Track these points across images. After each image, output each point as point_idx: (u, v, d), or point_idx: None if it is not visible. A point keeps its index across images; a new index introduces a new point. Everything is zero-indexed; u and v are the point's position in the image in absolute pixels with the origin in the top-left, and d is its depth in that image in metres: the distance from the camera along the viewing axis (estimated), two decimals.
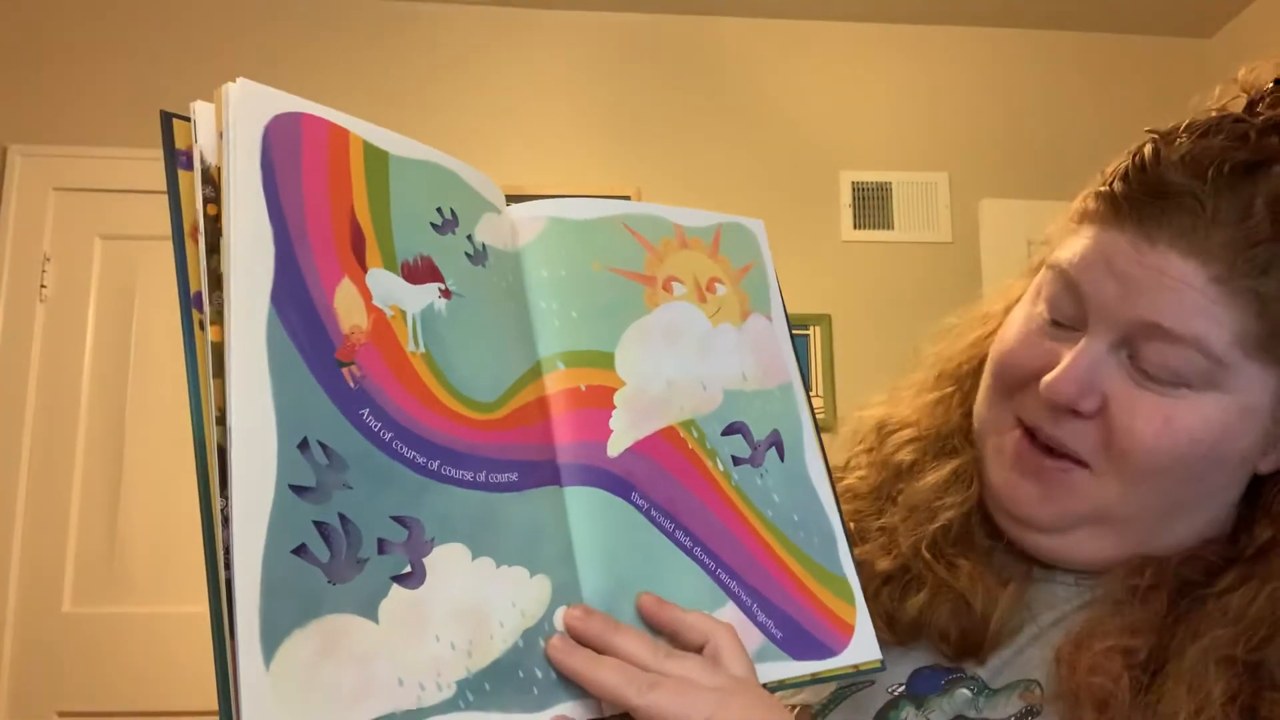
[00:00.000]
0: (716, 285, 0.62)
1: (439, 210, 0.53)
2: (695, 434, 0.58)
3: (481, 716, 0.45)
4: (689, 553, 0.55)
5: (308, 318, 0.44)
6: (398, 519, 0.45)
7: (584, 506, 0.53)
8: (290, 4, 2.63)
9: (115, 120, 2.50)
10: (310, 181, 0.47)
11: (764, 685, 0.53)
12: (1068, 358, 0.56)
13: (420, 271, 0.50)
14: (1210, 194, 0.54)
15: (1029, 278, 0.64)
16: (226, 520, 0.40)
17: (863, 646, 0.58)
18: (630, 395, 0.56)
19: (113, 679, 2.28)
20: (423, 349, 0.49)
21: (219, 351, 0.42)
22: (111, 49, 2.55)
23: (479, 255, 0.54)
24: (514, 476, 0.51)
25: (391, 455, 0.46)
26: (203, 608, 0.40)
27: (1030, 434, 0.59)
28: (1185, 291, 0.54)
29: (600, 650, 0.49)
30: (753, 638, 0.55)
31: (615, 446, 0.55)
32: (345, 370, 0.45)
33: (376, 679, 0.42)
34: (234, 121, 0.44)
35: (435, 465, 0.47)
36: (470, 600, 0.47)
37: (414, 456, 0.47)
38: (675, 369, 0.58)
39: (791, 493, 0.60)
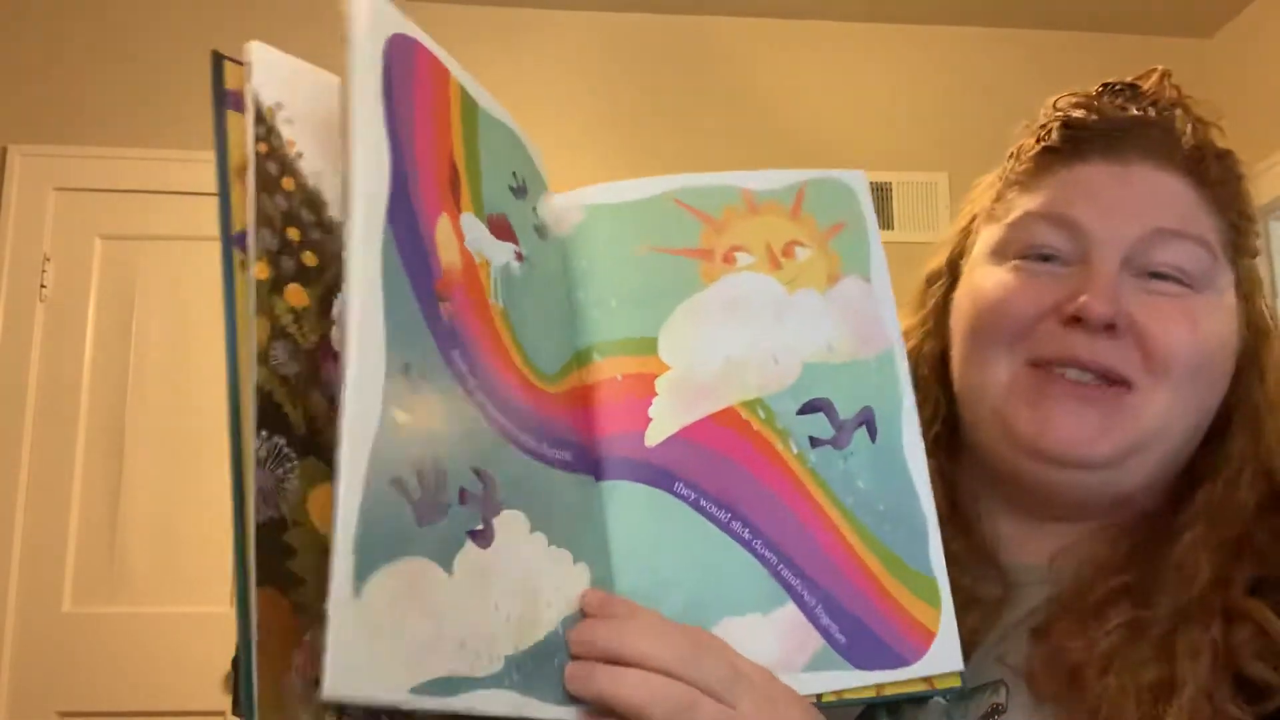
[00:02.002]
0: (796, 249, 0.56)
1: (514, 174, 0.50)
2: (762, 414, 0.52)
3: (521, 700, 0.42)
4: (746, 545, 0.50)
5: (416, 244, 0.42)
6: (478, 471, 0.42)
7: (620, 501, 0.50)
8: (291, 4, 2.63)
9: (115, 120, 2.50)
10: (421, 109, 0.44)
11: (817, 697, 0.49)
12: (1092, 279, 0.57)
13: (501, 228, 0.48)
14: (1161, 119, 0.61)
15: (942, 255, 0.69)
16: (261, 462, 0.39)
17: (942, 656, 0.51)
18: (676, 379, 0.52)
19: (113, 679, 2.28)
20: (501, 303, 0.46)
21: (264, 288, 0.41)
22: (111, 49, 2.55)
23: (542, 229, 0.52)
24: (568, 455, 0.48)
25: (474, 403, 0.43)
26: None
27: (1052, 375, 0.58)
28: (1177, 197, 0.59)
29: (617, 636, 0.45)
30: (810, 642, 0.50)
31: (655, 435, 0.51)
32: (442, 306, 0.42)
33: (444, 636, 0.39)
34: (359, 32, 0.41)
35: (508, 424, 0.44)
36: (526, 574, 0.43)
37: (491, 410, 0.44)
38: (737, 344, 0.53)
39: (880, 478, 0.53)
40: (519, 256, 0.48)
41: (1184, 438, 0.59)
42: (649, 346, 0.53)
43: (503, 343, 0.46)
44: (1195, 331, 0.57)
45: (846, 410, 0.53)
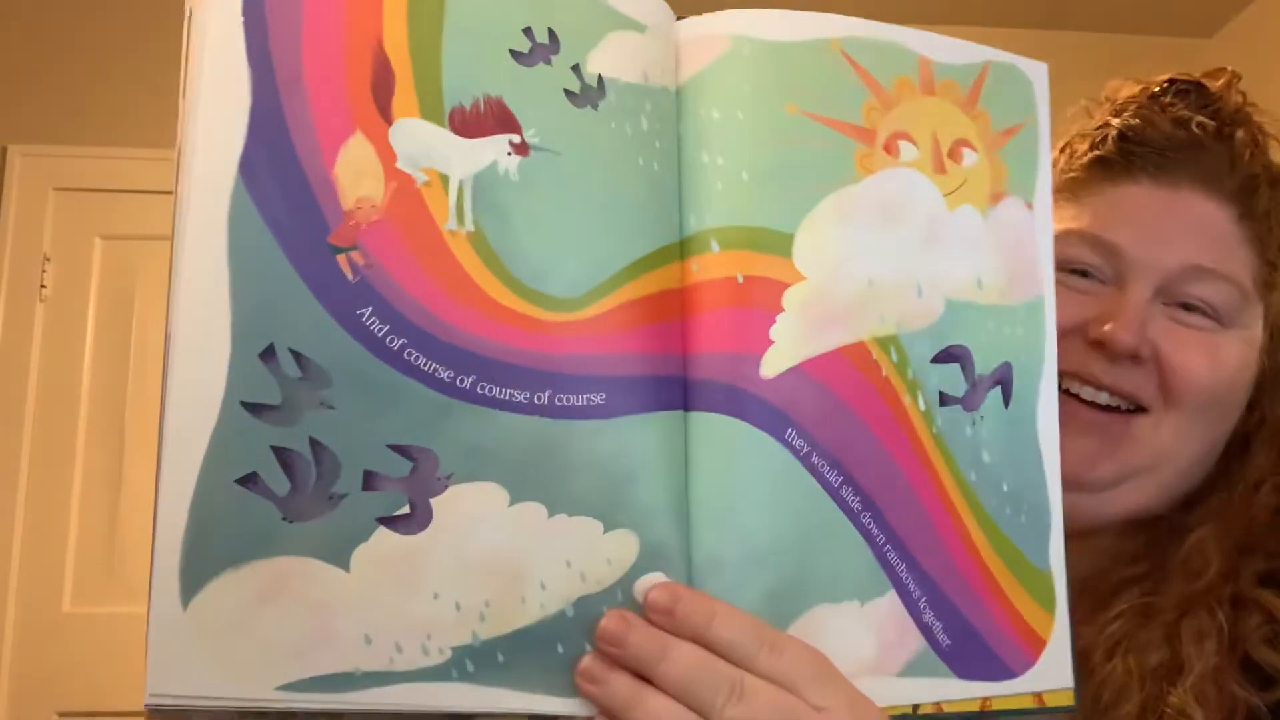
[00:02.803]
0: (964, 151, 0.45)
1: (528, 31, 0.39)
2: (894, 356, 0.42)
3: (479, 692, 0.37)
4: (854, 517, 0.41)
5: (291, 189, 0.35)
6: (399, 448, 0.36)
7: (717, 441, 0.40)
8: None
9: (115, 120, 2.49)
10: (316, 2, 0.36)
11: (913, 708, 0.42)
12: (1122, 307, 0.57)
13: (482, 119, 0.38)
14: (1217, 142, 0.59)
15: None
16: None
17: (1053, 669, 0.44)
18: (809, 294, 0.41)
19: (113, 679, 2.27)
20: (469, 226, 0.37)
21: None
22: (111, 49, 2.55)
23: (589, 93, 0.40)
24: (599, 398, 0.38)
25: (400, 368, 0.36)
26: None
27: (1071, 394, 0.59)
28: (1221, 230, 0.58)
29: (693, 640, 0.38)
30: (909, 641, 0.42)
31: (773, 364, 0.40)
32: (343, 257, 0.36)
33: (334, 633, 0.35)
34: None
35: (467, 381, 0.37)
36: (497, 554, 0.37)
37: (434, 370, 0.37)
38: (883, 263, 0.43)
39: (1009, 452, 0.45)
40: (520, 148, 0.38)
41: (1190, 463, 0.60)
42: (783, 244, 0.41)
43: (469, 277, 0.37)
44: (1216, 367, 0.57)
45: (984, 364, 0.44)
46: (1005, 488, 0.44)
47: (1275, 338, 0.62)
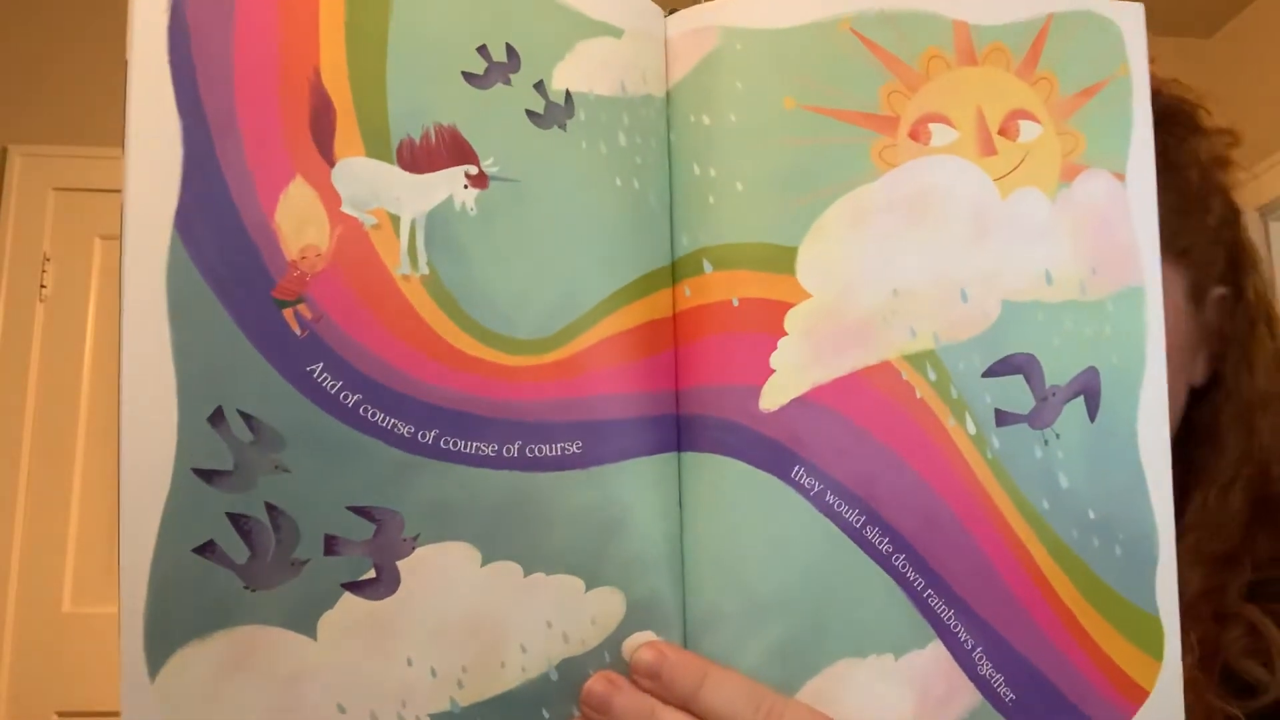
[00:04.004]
0: (1021, 124, 0.39)
1: (482, 49, 0.36)
2: (932, 374, 0.37)
3: None
4: (883, 561, 0.37)
5: (230, 242, 0.33)
6: (360, 510, 0.34)
7: (712, 484, 0.37)
8: None
9: (115, 120, 2.47)
10: (246, 37, 0.34)
11: None
12: None
13: (433, 151, 0.35)
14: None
15: None
16: None
17: None
18: (816, 313, 0.37)
19: (113, 679, 2.26)
20: (423, 269, 0.35)
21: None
22: (112, 49, 2.54)
23: (555, 111, 0.37)
24: (575, 446, 0.36)
25: (356, 425, 0.34)
26: None
27: None
28: None
29: (681, 705, 0.35)
30: (960, 697, 0.37)
31: (774, 395, 0.36)
32: (289, 311, 0.34)
33: (305, 703, 0.34)
34: None
35: (429, 436, 0.35)
36: (472, 616, 0.35)
37: (393, 425, 0.34)
38: (912, 268, 0.37)
39: (1097, 473, 0.38)
40: (478, 180, 0.35)
41: None
42: (784, 260, 0.37)
43: (426, 325, 0.35)
44: None
45: (1057, 373, 0.38)
46: (1091, 516, 0.38)
47: (1236, 292, 0.57)
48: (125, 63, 0.33)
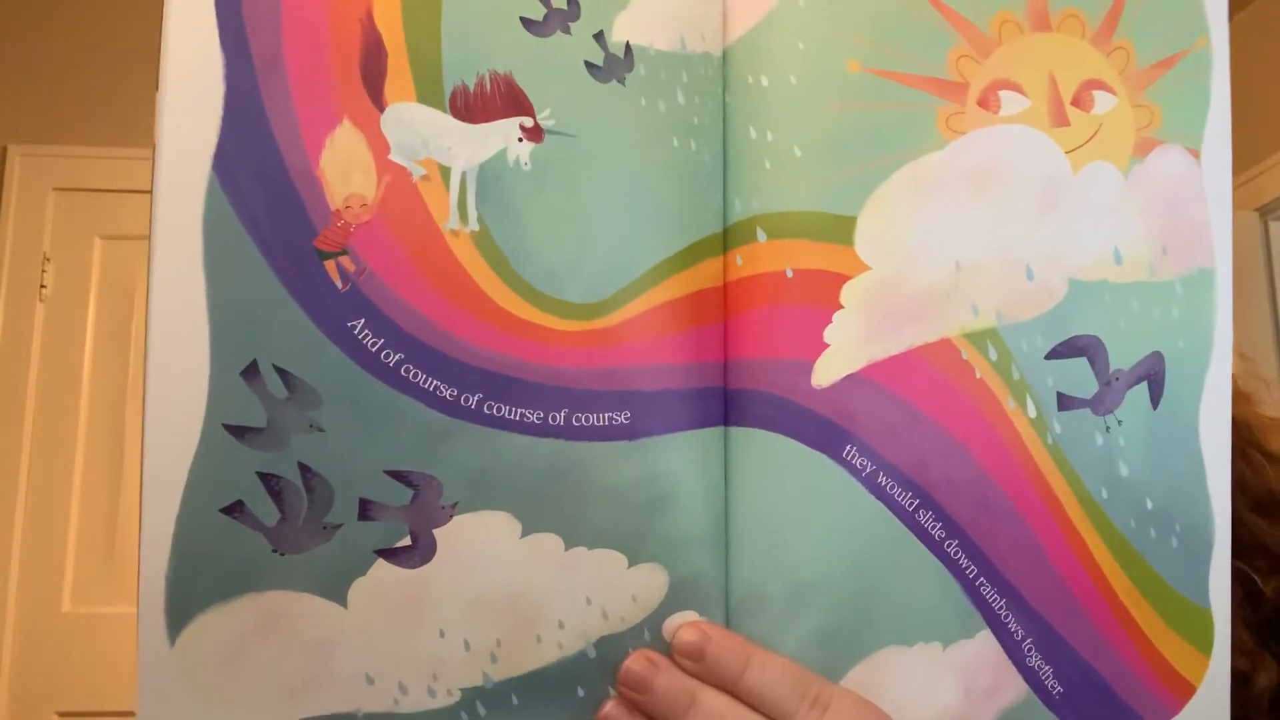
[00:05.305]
0: (1096, 95, 0.37)
1: None
2: (992, 353, 0.36)
3: None
4: (935, 546, 0.35)
5: (272, 188, 0.32)
6: (398, 475, 0.33)
7: (759, 461, 0.35)
8: None
9: (115, 120, 2.49)
10: None
11: None
12: None
13: (488, 100, 0.33)
14: None
15: None
16: None
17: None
18: (875, 287, 0.35)
19: (113, 679, 2.28)
20: (473, 225, 0.33)
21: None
22: (112, 49, 2.55)
23: (614, 64, 0.35)
24: (623, 416, 0.34)
25: (397, 386, 0.33)
26: None
27: None
28: None
29: (724, 687, 0.34)
30: (1008, 688, 0.36)
31: (828, 371, 0.35)
32: (331, 263, 0.32)
33: (333, 672, 0.33)
34: None
35: (473, 400, 0.33)
36: (509, 589, 0.34)
37: (435, 387, 0.33)
38: (976, 242, 0.36)
39: (1156, 463, 0.37)
40: (533, 133, 0.34)
41: None
42: (842, 230, 0.35)
43: (474, 283, 0.33)
44: None
45: (1121, 357, 0.37)
46: (1150, 506, 0.37)
47: None
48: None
